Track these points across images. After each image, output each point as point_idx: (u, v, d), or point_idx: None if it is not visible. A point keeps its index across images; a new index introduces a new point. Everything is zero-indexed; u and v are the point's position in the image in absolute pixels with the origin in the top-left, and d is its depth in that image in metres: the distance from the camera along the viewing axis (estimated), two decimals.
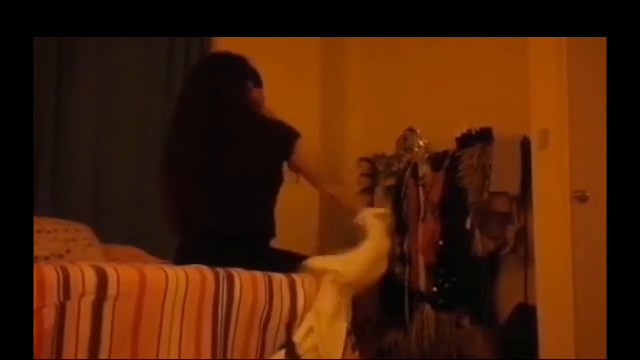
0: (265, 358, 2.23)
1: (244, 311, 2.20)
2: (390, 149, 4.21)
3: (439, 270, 3.71)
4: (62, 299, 1.86)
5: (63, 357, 1.86)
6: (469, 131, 3.74)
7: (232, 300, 2.17)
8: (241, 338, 2.19)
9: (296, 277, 2.37)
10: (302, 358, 2.23)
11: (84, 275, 1.92)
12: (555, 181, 3.14)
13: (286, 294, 2.30)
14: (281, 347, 2.25)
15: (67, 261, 2.63)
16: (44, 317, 1.83)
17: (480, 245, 3.51)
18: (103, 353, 1.92)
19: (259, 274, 2.29)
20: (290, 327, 2.28)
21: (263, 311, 2.23)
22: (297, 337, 2.26)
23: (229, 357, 2.15)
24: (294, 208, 4.28)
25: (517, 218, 3.48)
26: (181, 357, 2.05)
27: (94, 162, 3.76)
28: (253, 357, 2.21)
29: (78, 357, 1.89)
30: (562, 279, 3.05)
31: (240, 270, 2.28)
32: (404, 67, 4.46)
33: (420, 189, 3.88)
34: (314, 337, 2.25)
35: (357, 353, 2.42)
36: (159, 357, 2.01)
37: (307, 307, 2.31)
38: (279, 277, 2.32)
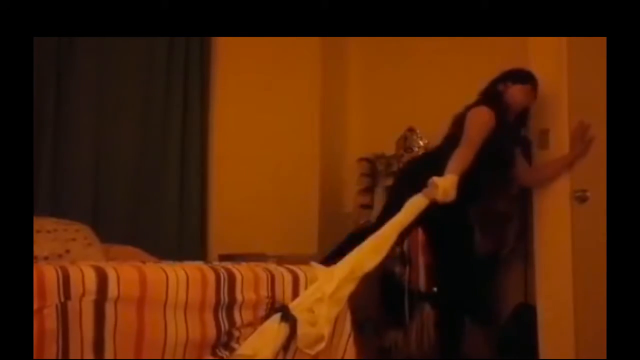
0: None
1: (247, 309, 2.20)
2: (390, 149, 4.20)
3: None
4: (62, 299, 1.86)
5: (70, 357, 1.86)
6: None
7: (234, 299, 2.17)
8: (245, 332, 2.19)
9: (299, 272, 2.36)
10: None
11: (84, 275, 1.91)
12: (555, 181, 3.14)
13: (288, 291, 2.30)
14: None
15: (67, 261, 2.63)
16: (45, 318, 1.83)
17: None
18: (109, 353, 1.92)
19: (261, 271, 2.28)
20: None
21: (266, 309, 2.23)
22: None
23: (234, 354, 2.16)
24: (293, 207, 4.30)
25: (517, 218, 3.48)
26: (186, 357, 2.05)
27: (94, 162, 3.76)
28: None
29: (85, 357, 1.88)
30: (562, 279, 3.05)
31: (241, 267, 2.28)
32: (403, 67, 4.45)
33: None
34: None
35: (356, 348, 2.42)
36: (165, 357, 2.01)
37: None
38: (281, 273, 2.32)
